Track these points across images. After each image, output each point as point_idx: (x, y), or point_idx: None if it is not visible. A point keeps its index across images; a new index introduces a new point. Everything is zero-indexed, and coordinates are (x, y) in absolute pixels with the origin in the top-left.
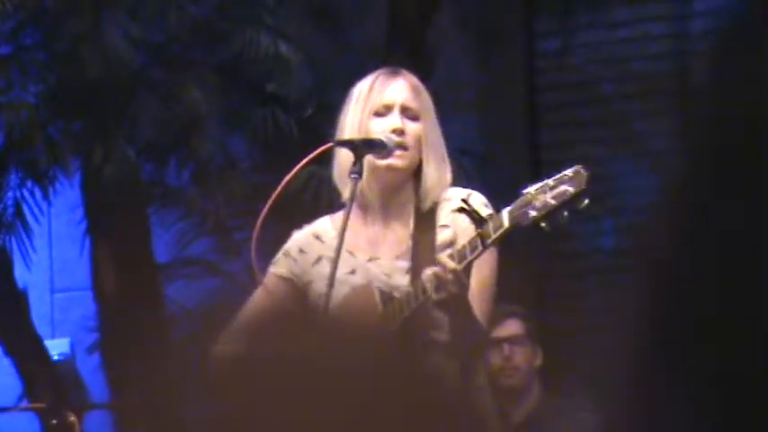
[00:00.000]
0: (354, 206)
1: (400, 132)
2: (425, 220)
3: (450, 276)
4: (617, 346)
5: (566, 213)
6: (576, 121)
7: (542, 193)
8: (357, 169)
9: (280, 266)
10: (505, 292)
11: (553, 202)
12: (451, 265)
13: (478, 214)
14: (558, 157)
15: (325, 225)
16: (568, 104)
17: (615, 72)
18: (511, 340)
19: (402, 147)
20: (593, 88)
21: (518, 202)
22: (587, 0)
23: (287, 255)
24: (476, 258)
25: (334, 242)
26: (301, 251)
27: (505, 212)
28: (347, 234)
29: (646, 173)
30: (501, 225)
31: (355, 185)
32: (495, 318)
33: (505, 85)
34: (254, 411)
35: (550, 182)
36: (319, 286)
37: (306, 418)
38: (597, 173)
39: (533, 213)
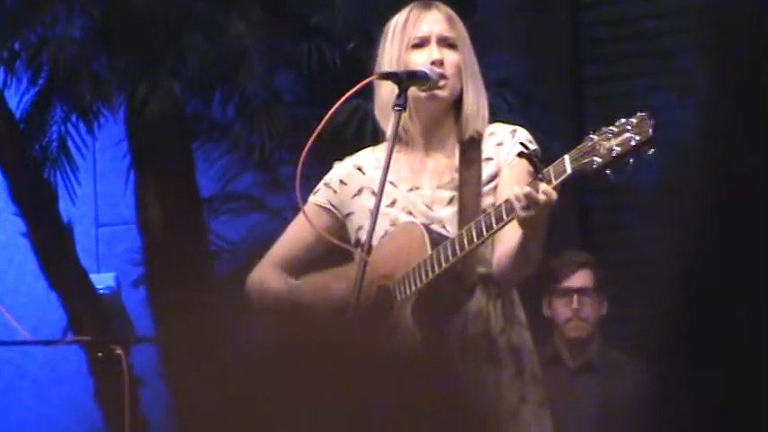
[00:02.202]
0: (401, 134)
1: (439, 63)
2: (470, 152)
3: (542, 197)
4: (658, 282)
5: (631, 161)
6: (620, 55)
7: (606, 140)
8: (401, 102)
9: (319, 196)
10: (551, 228)
11: (618, 149)
12: (546, 187)
13: (535, 153)
14: (602, 93)
15: (368, 157)
16: (612, 39)
17: (659, 6)
18: (581, 291)
19: (442, 77)
20: (637, 23)
21: (580, 147)
22: None
23: (327, 185)
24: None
25: (376, 174)
26: (342, 182)
27: (567, 158)
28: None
29: (689, 107)
30: (564, 171)
31: (399, 118)
32: (566, 266)
33: (549, 21)
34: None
35: (614, 128)
36: (359, 218)
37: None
38: (640, 107)
39: (598, 160)
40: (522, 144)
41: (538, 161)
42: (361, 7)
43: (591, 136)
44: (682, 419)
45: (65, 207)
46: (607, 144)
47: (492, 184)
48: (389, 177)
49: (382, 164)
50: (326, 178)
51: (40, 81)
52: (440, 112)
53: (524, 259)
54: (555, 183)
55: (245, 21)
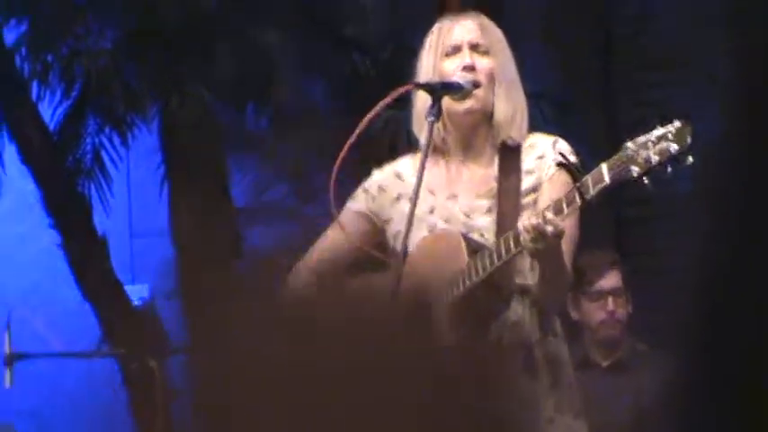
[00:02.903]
0: (433, 148)
1: (470, 69)
2: (509, 163)
3: (549, 228)
4: (687, 291)
5: (669, 170)
6: (654, 65)
7: (644, 149)
8: (434, 111)
9: (357, 202)
10: (584, 236)
11: (657, 158)
12: (552, 218)
13: (578, 168)
14: (635, 101)
15: (407, 165)
16: (646, 48)
17: (694, 15)
18: (614, 292)
19: (476, 85)
20: (672, 32)
21: (618, 156)
22: None
23: (366, 191)
24: (572, 212)
25: (414, 180)
26: (381, 189)
27: (605, 167)
28: (426, 174)
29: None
30: (601, 180)
31: (432, 128)
32: (594, 268)
33: (582, 32)
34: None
35: (652, 137)
36: (397, 225)
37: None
38: (675, 116)
39: (636, 169)
40: (561, 155)
41: (577, 171)
42: (394, 18)
43: (628, 144)
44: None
45: (99, 218)
46: (645, 153)
47: (532, 197)
48: (428, 185)
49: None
50: (365, 184)
51: (74, 93)
52: (475, 122)
53: (550, 288)
54: (593, 192)
55: (277, 31)
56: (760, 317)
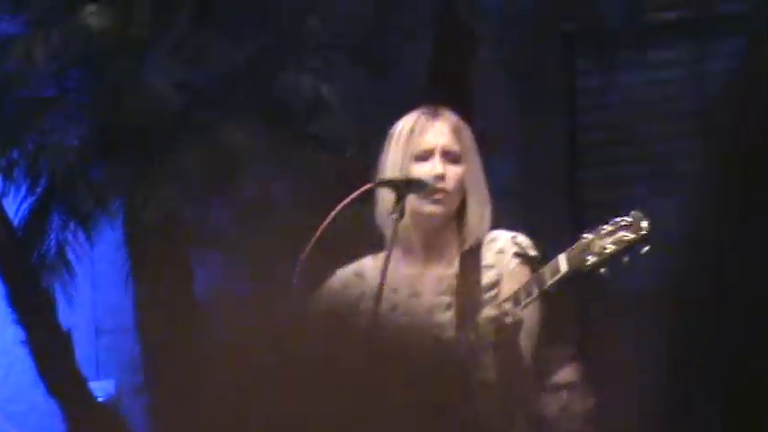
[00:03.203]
0: (396, 246)
1: (441, 178)
2: (469, 260)
3: (508, 319)
4: (649, 388)
5: (626, 259)
6: (618, 160)
7: (601, 239)
8: (398, 209)
9: (319, 302)
10: (548, 334)
11: (613, 247)
12: (510, 308)
13: (536, 259)
14: (599, 197)
15: (368, 264)
16: (609, 144)
17: (656, 112)
18: (569, 387)
19: (442, 191)
20: (634, 128)
21: (575, 246)
22: (628, 39)
23: (328, 290)
24: (531, 303)
25: (376, 280)
26: (344, 287)
27: (562, 257)
28: (389, 273)
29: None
30: (558, 270)
31: (396, 225)
32: (552, 361)
33: (546, 125)
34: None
35: (609, 227)
36: (361, 322)
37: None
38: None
39: (592, 259)
40: (521, 250)
41: (536, 263)
42: (359, 115)
43: (585, 235)
44: None
45: (64, 314)
46: (601, 242)
47: (493, 292)
48: (389, 284)
49: (383, 271)
50: (327, 284)
51: (39, 189)
52: (439, 224)
53: (510, 380)
54: (550, 282)
55: (242, 128)
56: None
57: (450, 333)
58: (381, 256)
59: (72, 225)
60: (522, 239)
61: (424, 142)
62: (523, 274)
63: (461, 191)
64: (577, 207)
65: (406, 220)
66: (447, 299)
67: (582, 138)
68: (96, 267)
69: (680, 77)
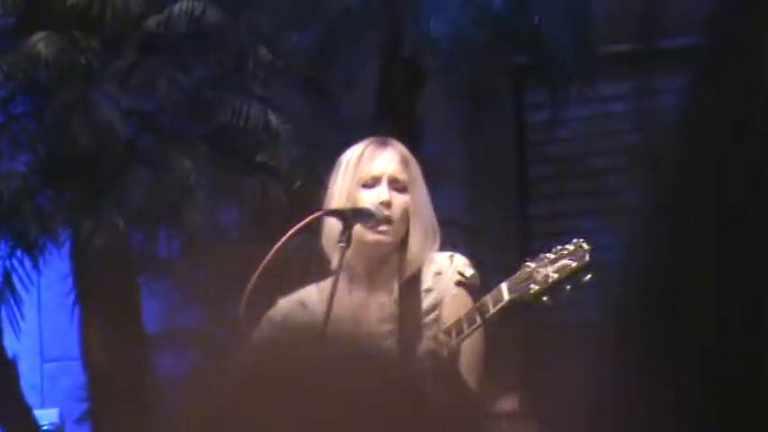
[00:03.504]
0: (342, 274)
1: (387, 205)
2: (409, 285)
3: (444, 351)
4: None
5: (568, 287)
6: (566, 193)
7: (543, 267)
8: (345, 238)
9: (261, 331)
10: (489, 363)
11: (555, 275)
12: (444, 340)
13: (476, 287)
14: (548, 229)
15: (311, 292)
16: (558, 177)
17: (604, 145)
18: (510, 416)
19: (388, 221)
20: (583, 161)
21: (518, 275)
22: (577, 73)
23: (270, 320)
24: (474, 332)
25: (318, 308)
26: (285, 317)
27: (504, 286)
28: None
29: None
30: (500, 299)
31: (343, 254)
32: (493, 392)
33: (495, 157)
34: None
35: (551, 255)
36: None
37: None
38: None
39: (535, 287)
40: (459, 273)
41: (476, 290)
42: (306, 146)
43: (528, 263)
44: None
45: (9, 342)
46: (544, 270)
47: (433, 315)
48: (334, 312)
49: (325, 297)
50: (269, 313)
51: None
52: (384, 253)
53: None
54: (493, 311)
55: (190, 157)
56: None
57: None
58: (324, 284)
59: (19, 252)
60: (459, 258)
61: (372, 169)
62: (462, 295)
63: (406, 220)
64: (525, 239)
65: (353, 247)
66: (389, 327)
67: (531, 170)
68: (43, 295)
69: (629, 111)
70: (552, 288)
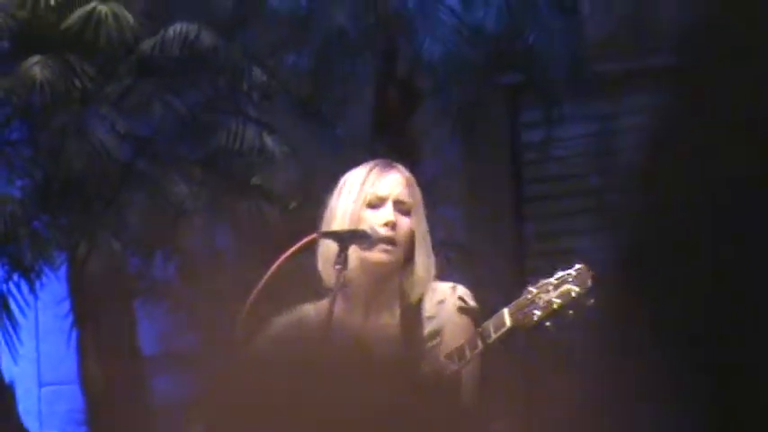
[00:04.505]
0: (340, 294)
1: (392, 226)
2: (411, 311)
3: (447, 376)
4: None
5: (570, 312)
6: (562, 212)
7: (545, 293)
8: (341, 260)
9: (257, 347)
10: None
11: (558, 301)
12: (446, 364)
13: (476, 310)
14: (544, 249)
15: (308, 312)
16: (554, 196)
17: (600, 164)
18: None
19: (391, 242)
20: (579, 180)
21: (519, 300)
22: (573, 93)
23: (265, 337)
24: (476, 356)
25: (316, 329)
26: (279, 336)
27: (506, 311)
28: (330, 323)
29: None
30: (503, 324)
31: (340, 276)
32: (488, 415)
33: (491, 177)
34: None
35: (554, 281)
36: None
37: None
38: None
39: (537, 313)
40: (461, 299)
41: (477, 318)
42: (301, 167)
43: (530, 288)
44: None
45: (7, 366)
46: (546, 296)
47: (435, 341)
48: (332, 334)
49: (323, 318)
50: (264, 334)
51: None
52: (386, 274)
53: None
54: (494, 337)
55: (186, 180)
56: None
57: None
58: (321, 304)
59: (15, 276)
60: (462, 290)
61: (379, 190)
62: (464, 323)
63: (409, 243)
64: (522, 258)
65: (355, 267)
66: (390, 348)
67: (527, 189)
68: (40, 319)
69: (626, 129)
70: (555, 314)
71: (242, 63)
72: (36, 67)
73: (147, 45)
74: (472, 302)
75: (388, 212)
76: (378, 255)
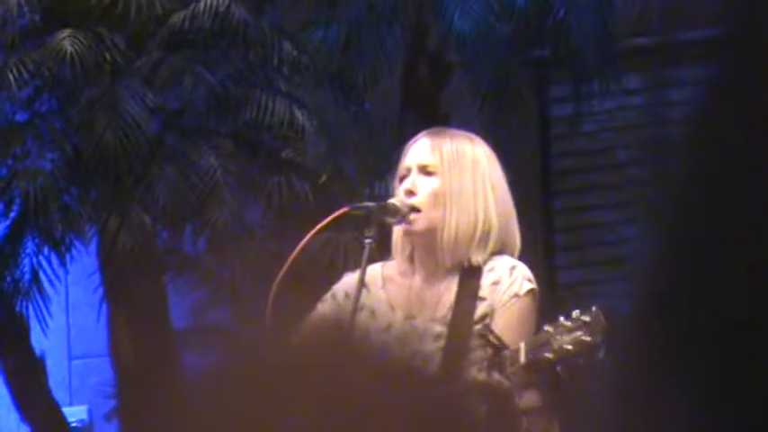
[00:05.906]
0: (403, 258)
1: (409, 193)
2: (467, 288)
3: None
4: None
5: (581, 361)
6: (590, 186)
7: (560, 335)
8: (371, 234)
9: (326, 306)
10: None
11: (569, 347)
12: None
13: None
14: (572, 223)
15: (375, 274)
16: (582, 170)
17: (629, 138)
18: (529, 412)
19: (414, 209)
20: (607, 154)
21: (536, 337)
22: (601, 67)
23: (334, 296)
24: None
25: (380, 293)
26: (347, 296)
27: (523, 347)
28: (394, 287)
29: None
30: (518, 360)
31: (369, 250)
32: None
33: (519, 151)
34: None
35: (568, 323)
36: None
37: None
38: (610, 238)
39: (549, 356)
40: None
41: (531, 305)
42: (331, 142)
43: (546, 327)
44: None
45: (37, 339)
46: (560, 339)
47: (482, 324)
48: (391, 300)
49: (387, 283)
50: (334, 288)
51: (12, 214)
52: (423, 241)
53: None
54: (510, 370)
55: (215, 154)
56: None
57: (435, 366)
58: (390, 264)
59: (46, 250)
60: (519, 271)
61: (406, 161)
62: (513, 311)
63: (439, 204)
64: (550, 232)
65: (397, 238)
66: (439, 328)
67: (555, 165)
68: (70, 293)
69: (653, 103)
70: (565, 359)
71: (272, 37)
72: (66, 40)
73: (177, 18)
74: (529, 285)
75: (410, 181)
76: (404, 225)
